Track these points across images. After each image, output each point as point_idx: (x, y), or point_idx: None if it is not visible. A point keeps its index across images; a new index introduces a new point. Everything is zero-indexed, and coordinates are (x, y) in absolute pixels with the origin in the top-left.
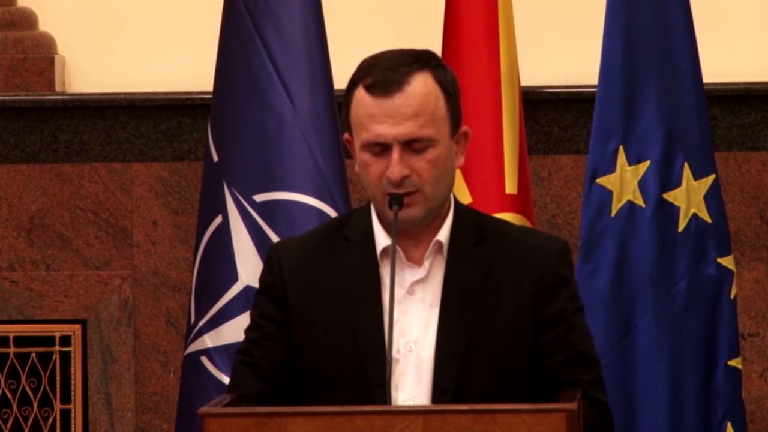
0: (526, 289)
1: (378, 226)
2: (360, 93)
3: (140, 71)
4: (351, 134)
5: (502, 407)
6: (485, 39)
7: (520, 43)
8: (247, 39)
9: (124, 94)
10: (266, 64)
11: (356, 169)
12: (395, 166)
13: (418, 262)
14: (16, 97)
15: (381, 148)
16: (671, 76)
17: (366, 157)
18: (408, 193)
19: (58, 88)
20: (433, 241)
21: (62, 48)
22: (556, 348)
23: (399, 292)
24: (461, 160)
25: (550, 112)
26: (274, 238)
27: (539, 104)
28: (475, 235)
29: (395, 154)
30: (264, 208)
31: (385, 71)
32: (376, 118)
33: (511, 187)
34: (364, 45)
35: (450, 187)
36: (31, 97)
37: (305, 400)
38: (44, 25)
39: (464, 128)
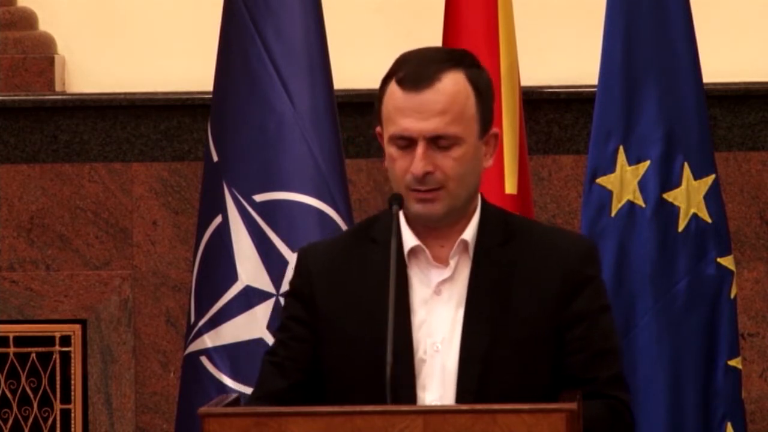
0: (550, 289)
1: (405, 226)
2: (392, 87)
3: (140, 71)
4: (382, 127)
5: (502, 407)
6: (485, 39)
7: (520, 43)
8: (247, 39)
9: (124, 94)
10: (266, 64)
11: (385, 163)
12: (418, 161)
13: (444, 262)
14: (16, 97)
15: (407, 143)
16: (671, 76)
17: (392, 150)
18: (431, 190)
19: (58, 88)
20: (458, 241)
21: (62, 48)
22: (578, 346)
23: (426, 292)
24: (490, 162)
25: (550, 112)
26: (274, 238)
27: (539, 104)
28: (501, 235)
29: (420, 149)
30: (264, 208)
31: (417, 67)
32: (404, 111)
33: (511, 187)
34: (364, 45)
35: (476, 187)
36: (31, 97)
37: (331, 400)
38: (44, 25)
39: (494, 130)
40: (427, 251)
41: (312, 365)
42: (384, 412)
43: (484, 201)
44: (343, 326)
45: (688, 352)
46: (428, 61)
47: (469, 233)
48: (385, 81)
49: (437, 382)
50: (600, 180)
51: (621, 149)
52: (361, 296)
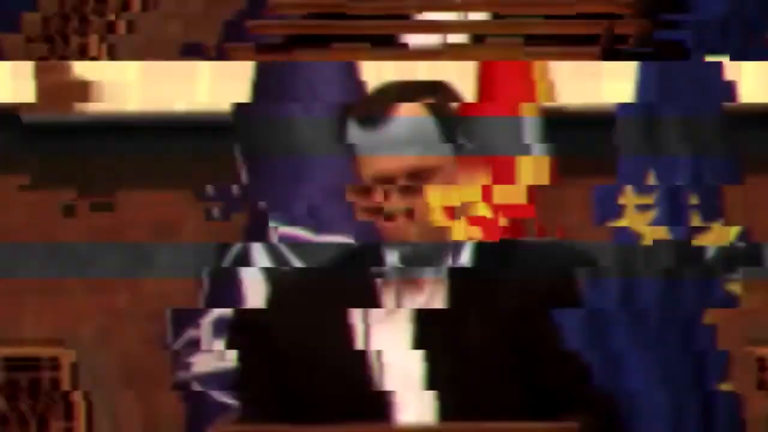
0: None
1: None
2: None
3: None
4: None
5: (502, 426)
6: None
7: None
8: None
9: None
10: None
11: None
12: None
13: None
14: None
15: None
16: None
17: None
18: None
19: None
20: None
21: None
22: None
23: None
24: None
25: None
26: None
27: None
28: None
29: None
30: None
31: None
32: None
33: None
34: None
35: None
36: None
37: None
38: None
39: None
40: None
41: (277, 393)
42: (388, 430)
43: None
44: (306, 349)
45: None
46: None
47: None
48: None
49: (404, 399)
50: None
51: None
52: (323, 316)
